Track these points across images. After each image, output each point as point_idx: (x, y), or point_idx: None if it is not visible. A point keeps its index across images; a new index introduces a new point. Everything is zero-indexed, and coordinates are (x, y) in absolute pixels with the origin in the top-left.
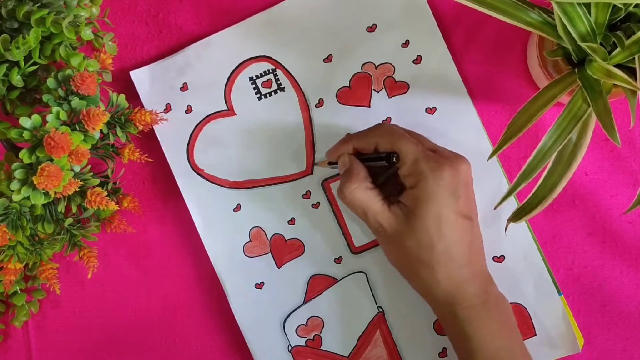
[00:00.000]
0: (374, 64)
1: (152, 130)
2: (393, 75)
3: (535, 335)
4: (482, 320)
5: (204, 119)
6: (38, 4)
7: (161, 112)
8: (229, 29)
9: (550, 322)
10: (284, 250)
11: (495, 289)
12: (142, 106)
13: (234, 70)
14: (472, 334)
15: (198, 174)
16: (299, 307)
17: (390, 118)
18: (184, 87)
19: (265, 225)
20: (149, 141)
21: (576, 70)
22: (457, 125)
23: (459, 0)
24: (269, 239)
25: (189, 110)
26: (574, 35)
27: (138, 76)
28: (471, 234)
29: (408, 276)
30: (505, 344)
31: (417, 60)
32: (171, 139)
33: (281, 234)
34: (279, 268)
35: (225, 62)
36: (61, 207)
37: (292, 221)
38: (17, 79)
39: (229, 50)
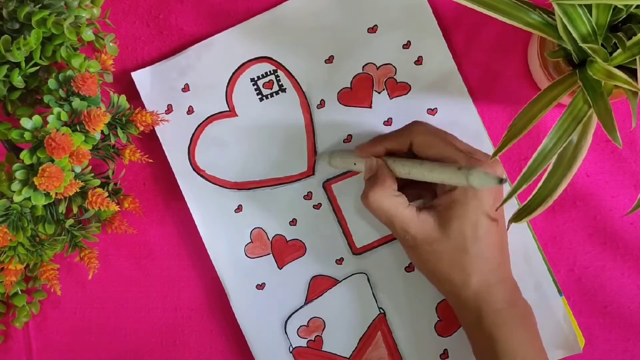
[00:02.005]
0: (375, 65)
1: (152, 131)
2: (394, 76)
3: None
4: (509, 324)
5: (205, 120)
6: (39, 5)
7: (162, 113)
8: (231, 29)
9: (551, 323)
10: (285, 251)
11: (522, 296)
12: (144, 107)
13: (235, 71)
14: (499, 337)
15: (199, 174)
16: (300, 308)
17: (391, 119)
18: (186, 88)
19: (267, 226)
20: (149, 142)
21: (577, 71)
22: (458, 126)
23: (459, 1)
24: (270, 239)
25: (190, 111)
26: (575, 36)
27: (139, 77)
28: (502, 236)
29: (437, 280)
30: (531, 352)
31: (418, 61)
32: (172, 139)
33: (282, 235)
34: (280, 269)
35: (226, 63)
36: (62, 208)
37: (293, 222)
38: (18, 80)
39: (231, 51)
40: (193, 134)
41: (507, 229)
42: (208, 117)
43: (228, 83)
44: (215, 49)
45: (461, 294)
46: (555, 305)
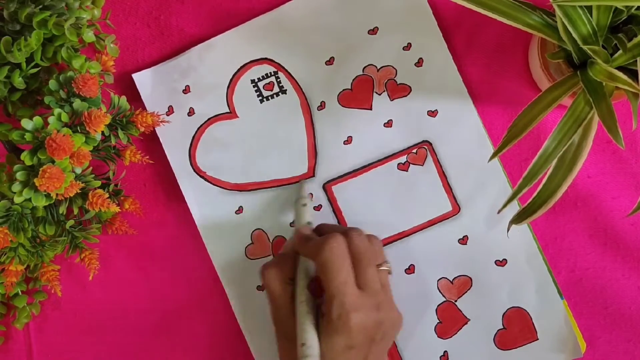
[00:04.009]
0: (375, 66)
1: (153, 132)
2: (395, 78)
3: (538, 339)
4: None
5: (206, 121)
6: (40, 6)
7: (163, 115)
8: (231, 31)
9: (552, 326)
10: None
11: None
12: (144, 108)
13: (236, 73)
14: None
15: (200, 176)
16: None
17: (391, 121)
18: (187, 90)
19: (267, 228)
20: (150, 143)
21: (578, 72)
22: (458, 128)
23: (460, 2)
24: (271, 241)
25: (191, 112)
26: (576, 37)
27: (140, 79)
28: None
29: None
30: None
31: (419, 62)
32: (173, 141)
33: (283, 237)
34: None
35: (227, 64)
36: (62, 209)
37: (294, 224)
38: (18, 81)
39: (231, 53)
40: (194, 136)
41: (508, 230)
42: (209, 119)
43: (229, 84)
44: (216, 51)
45: None
46: (556, 308)
